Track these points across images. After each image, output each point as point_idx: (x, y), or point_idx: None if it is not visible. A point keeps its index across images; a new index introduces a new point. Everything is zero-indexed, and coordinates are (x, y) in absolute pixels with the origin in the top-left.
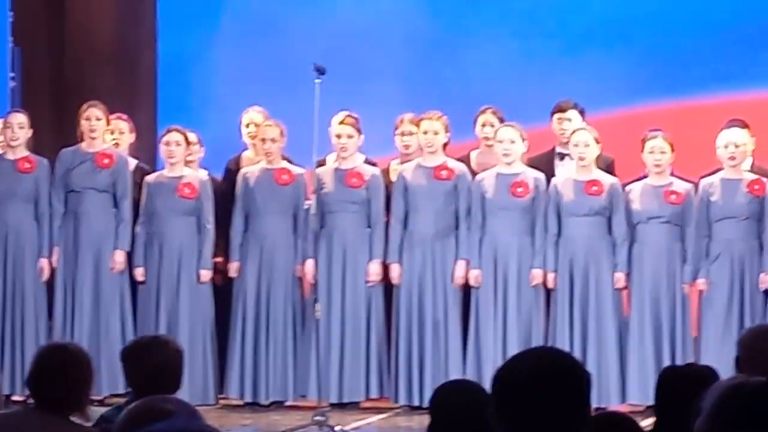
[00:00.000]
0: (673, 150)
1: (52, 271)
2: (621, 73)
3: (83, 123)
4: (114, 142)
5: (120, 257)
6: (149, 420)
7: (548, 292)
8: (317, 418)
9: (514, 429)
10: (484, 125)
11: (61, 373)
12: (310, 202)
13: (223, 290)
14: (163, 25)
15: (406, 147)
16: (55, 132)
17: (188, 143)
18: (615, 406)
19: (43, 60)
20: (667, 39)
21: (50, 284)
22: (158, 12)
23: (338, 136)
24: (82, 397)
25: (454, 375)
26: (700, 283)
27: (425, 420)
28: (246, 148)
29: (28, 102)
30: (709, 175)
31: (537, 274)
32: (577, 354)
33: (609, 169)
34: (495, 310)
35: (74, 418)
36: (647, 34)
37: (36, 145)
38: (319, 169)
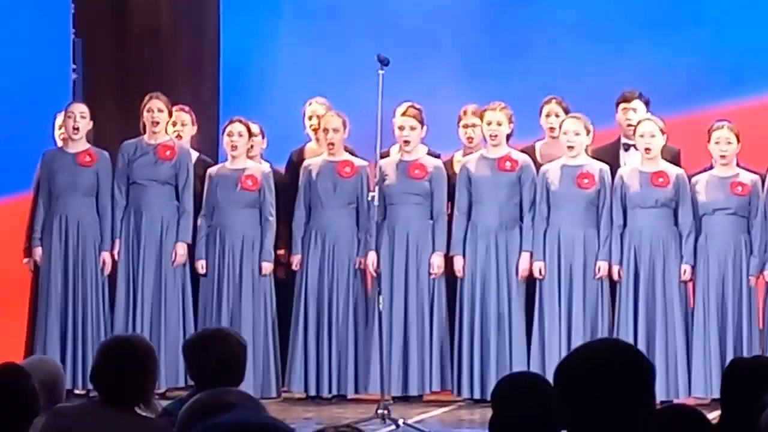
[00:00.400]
0: (739, 140)
1: (114, 264)
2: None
3: (145, 115)
4: (176, 133)
5: (182, 250)
6: (213, 412)
7: (614, 285)
8: (380, 411)
9: (577, 422)
10: (548, 115)
11: (125, 366)
12: (373, 194)
13: (286, 283)
14: (225, 15)
15: (470, 139)
16: (120, 124)
17: (250, 134)
18: (681, 399)
19: (105, 52)
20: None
21: (112, 277)
22: (221, 1)
23: (401, 128)
24: (148, 389)
25: (518, 368)
26: (767, 275)
27: (488, 413)
28: (309, 140)
29: (90, 94)
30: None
31: (602, 267)
32: (642, 347)
33: (675, 160)
34: (560, 303)
35: (140, 411)
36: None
37: (101, 138)
38: (382, 161)
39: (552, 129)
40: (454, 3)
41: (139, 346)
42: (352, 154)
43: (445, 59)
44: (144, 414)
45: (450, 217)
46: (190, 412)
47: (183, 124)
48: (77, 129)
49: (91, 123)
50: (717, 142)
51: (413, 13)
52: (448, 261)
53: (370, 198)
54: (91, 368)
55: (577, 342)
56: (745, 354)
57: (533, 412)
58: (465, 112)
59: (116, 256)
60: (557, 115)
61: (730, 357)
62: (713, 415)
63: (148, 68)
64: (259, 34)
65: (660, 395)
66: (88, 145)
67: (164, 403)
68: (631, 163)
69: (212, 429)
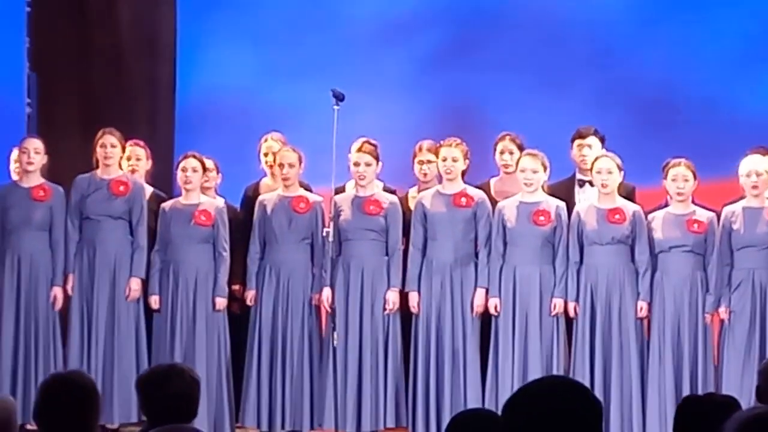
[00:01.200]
0: (695, 178)
1: (67, 299)
2: None
3: (98, 150)
4: (131, 168)
5: (135, 285)
6: None
7: (570, 322)
8: None
9: None
10: (502, 152)
11: (66, 403)
12: (328, 230)
13: (240, 318)
14: (182, 54)
15: (425, 175)
16: (79, 158)
17: (205, 170)
18: None
19: (63, 86)
20: None
21: (64, 313)
22: (178, 41)
23: (356, 164)
24: (90, 425)
25: (473, 404)
26: (722, 312)
27: None
28: (264, 175)
29: (47, 129)
30: (731, 203)
31: (558, 304)
32: (598, 383)
33: (630, 196)
34: (514, 340)
35: None
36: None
37: (59, 173)
38: (337, 197)
39: (506, 166)
40: (407, 35)
41: (79, 383)
42: (308, 189)
43: (401, 93)
44: None
45: (405, 253)
46: None
47: (137, 159)
48: (31, 164)
49: (46, 158)
50: (674, 179)
51: (364, 50)
52: (403, 297)
53: (324, 233)
54: (33, 406)
55: (532, 379)
56: (700, 391)
57: None
58: (420, 148)
59: (69, 291)
60: (511, 152)
61: (686, 393)
62: None
63: (105, 102)
64: (216, 68)
65: (614, 430)
66: (42, 180)
67: None
68: (586, 200)
69: None
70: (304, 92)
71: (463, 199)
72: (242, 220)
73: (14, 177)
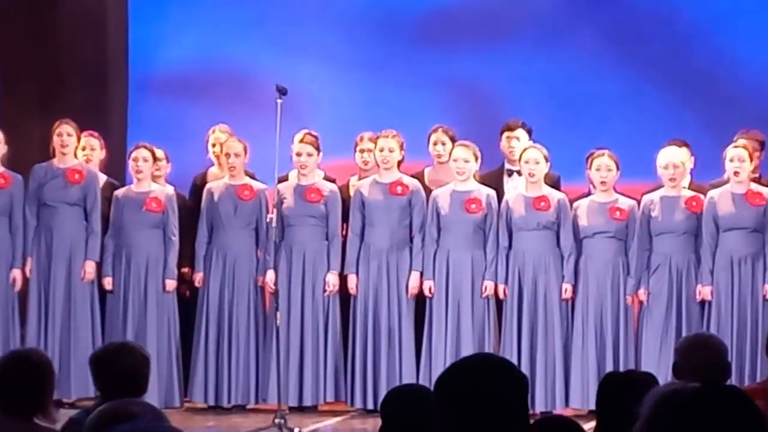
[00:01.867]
0: (618, 168)
1: (25, 281)
2: None
3: (55, 139)
4: (85, 157)
5: (90, 267)
6: (116, 422)
7: (499, 303)
8: (277, 420)
9: (455, 430)
10: (435, 143)
11: (22, 378)
12: (272, 216)
13: (189, 299)
14: (134, 46)
15: (365, 163)
16: (40, 148)
17: (155, 159)
18: (560, 410)
19: (25, 79)
20: None
21: (23, 294)
22: (130, 33)
23: (298, 154)
24: (45, 399)
25: (408, 380)
26: (641, 294)
27: (379, 422)
28: (212, 164)
29: (9, 119)
30: (650, 192)
31: (489, 286)
32: (525, 360)
33: (556, 185)
34: (448, 320)
35: (38, 421)
36: None
37: (22, 162)
38: (280, 185)
39: (439, 156)
40: (346, 32)
41: (34, 359)
42: (253, 178)
43: (348, 86)
44: (43, 424)
45: (344, 238)
46: (95, 422)
47: (92, 149)
48: None
49: (6, 147)
50: (597, 169)
51: (306, 45)
52: (342, 279)
53: (268, 219)
54: None
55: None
56: (621, 368)
57: (419, 422)
58: (361, 138)
59: (27, 273)
60: (444, 143)
61: (606, 370)
62: (589, 426)
63: (63, 95)
64: (166, 62)
65: (540, 406)
66: (2, 169)
67: (73, 412)
68: (514, 188)
69: None
70: (252, 85)
71: (399, 188)
72: (190, 207)
73: None
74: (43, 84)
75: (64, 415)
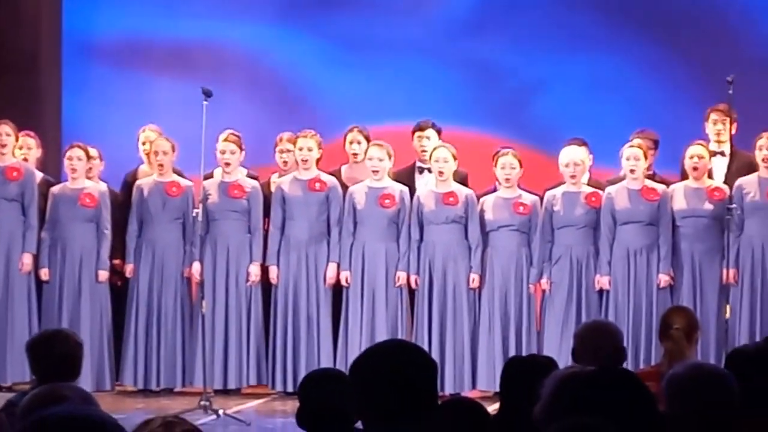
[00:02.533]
0: (521, 165)
1: None
2: None
3: None
4: (23, 156)
5: (27, 259)
6: (48, 404)
7: (412, 292)
8: (203, 402)
9: (369, 411)
10: (351, 142)
11: None
12: (197, 210)
13: (120, 289)
14: (67, 51)
15: (285, 163)
16: None
17: (89, 158)
18: (468, 392)
19: None
20: None
21: None
22: (63, 38)
23: (222, 152)
24: None
25: (325, 364)
26: (543, 283)
27: (297, 404)
28: (142, 162)
29: None
30: (552, 188)
31: (401, 276)
32: (435, 345)
33: (464, 182)
34: (363, 308)
35: None
36: None
37: None
38: (206, 182)
39: (355, 155)
40: (270, 40)
41: None
42: (180, 175)
43: (266, 91)
44: None
45: (266, 231)
46: (29, 405)
47: (29, 148)
48: None
49: None
50: (502, 167)
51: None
52: (264, 270)
53: (194, 214)
54: None
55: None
56: (523, 352)
57: (334, 404)
58: (281, 139)
59: None
60: (359, 143)
61: (510, 355)
62: (494, 406)
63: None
64: (99, 68)
65: (449, 388)
66: None
67: (10, 395)
68: (425, 185)
69: (40, 421)
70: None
71: (318, 184)
72: (122, 202)
73: None
74: None
75: (1, 398)
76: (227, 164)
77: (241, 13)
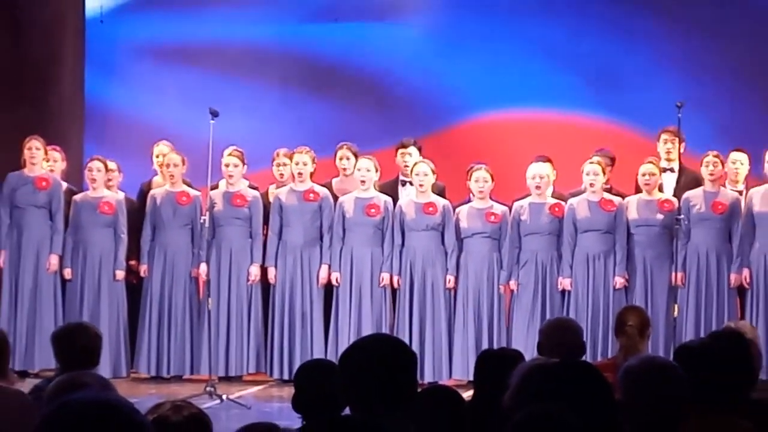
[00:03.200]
0: (493, 179)
1: (0, 270)
2: None
3: (26, 152)
4: (50, 168)
5: (54, 260)
6: (70, 390)
7: (394, 291)
8: (208, 388)
9: (357, 399)
10: (341, 158)
11: None
12: (204, 218)
13: (135, 287)
14: (90, 76)
15: (281, 175)
16: (10, 159)
17: (108, 170)
18: (445, 380)
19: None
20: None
21: None
22: (86, 65)
23: (227, 166)
24: (3, 366)
25: (317, 356)
26: (512, 284)
27: (293, 390)
28: (156, 174)
29: None
30: (520, 199)
31: (385, 277)
32: (416, 338)
33: (441, 193)
34: (351, 305)
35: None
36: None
37: None
38: (212, 192)
39: (345, 169)
40: (271, 59)
41: None
42: (189, 185)
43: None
44: (3, 384)
45: (265, 236)
46: (53, 390)
47: (55, 161)
48: None
49: None
50: (476, 181)
51: (238, 75)
52: (263, 271)
53: (202, 221)
54: None
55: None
56: (494, 346)
57: (326, 390)
58: (277, 154)
59: (2, 264)
60: (348, 158)
61: (483, 348)
62: (468, 394)
63: (32, 114)
64: (118, 92)
65: (428, 377)
66: None
67: (37, 381)
68: (407, 196)
69: (63, 405)
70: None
71: (311, 195)
72: (137, 209)
73: None
74: (18, 103)
75: (29, 384)
76: (231, 176)
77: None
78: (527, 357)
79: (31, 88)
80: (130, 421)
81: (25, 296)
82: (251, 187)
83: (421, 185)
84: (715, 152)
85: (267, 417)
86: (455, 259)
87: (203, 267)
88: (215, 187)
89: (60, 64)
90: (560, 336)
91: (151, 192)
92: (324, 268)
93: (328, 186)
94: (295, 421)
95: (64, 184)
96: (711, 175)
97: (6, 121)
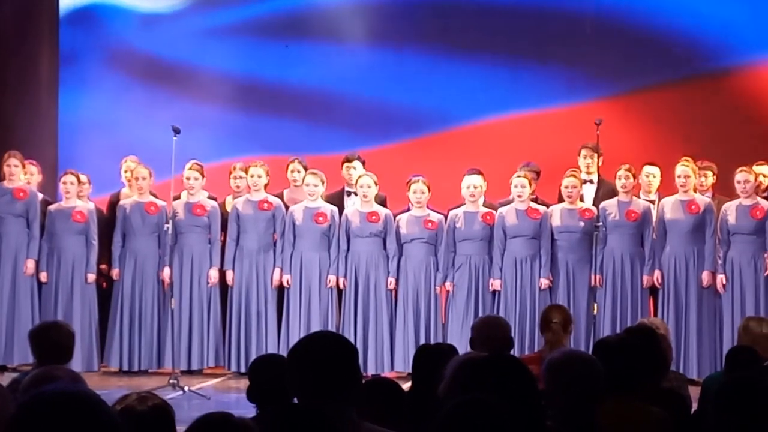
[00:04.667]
0: (429, 190)
1: None
2: None
3: (5, 167)
4: (27, 180)
5: (30, 264)
6: (44, 383)
7: (340, 292)
8: (172, 381)
9: (303, 389)
10: (292, 171)
11: None
12: (168, 225)
13: (105, 290)
14: (64, 96)
15: (238, 187)
16: None
17: (80, 182)
18: (387, 372)
19: None
20: None
21: None
22: (60, 83)
23: (188, 178)
24: None
25: (271, 350)
26: (447, 285)
27: (248, 382)
28: (124, 186)
29: None
30: (455, 208)
31: (332, 279)
32: (360, 334)
33: (383, 203)
34: (301, 304)
35: None
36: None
37: None
38: (175, 202)
39: (295, 181)
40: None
41: None
42: (155, 196)
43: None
44: None
45: (223, 242)
46: (28, 383)
47: (32, 174)
48: None
49: None
50: (414, 192)
51: (200, 96)
52: (222, 273)
53: (166, 228)
54: None
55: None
56: (431, 341)
57: (278, 382)
58: (234, 167)
59: None
60: (299, 171)
61: (421, 343)
62: (408, 384)
63: (11, 134)
64: (91, 109)
65: (371, 369)
66: None
67: (15, 374)
68: (352, 205)
69: (36, 397)
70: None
71: (265, 204)
72: (107, 218)
73: None
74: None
75: (8, 377)
76: (191, 188)
77: None
78: (461, 351)
79: (8, 107)
80: (95, 410)
81: (4, 297)
82: (210, 197)
83: (365, 196)
84: (627, 166)
85: (225, 406)
86: (396, 263)
87: (167, 270)
88: (177, 197)
89: (37, 83)
90: (490, 332)
91: (121, 202)
92: (277, 271)
93: (280, 196)
94: (251, 410)
95: (40, 195)
96: (623, 187)
97: None
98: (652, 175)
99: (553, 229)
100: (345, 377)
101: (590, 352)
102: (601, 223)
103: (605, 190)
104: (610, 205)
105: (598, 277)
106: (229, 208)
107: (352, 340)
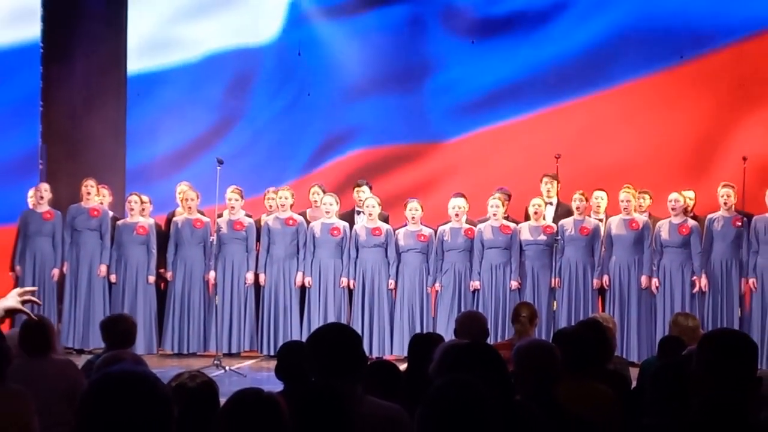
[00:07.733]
0: (422, 209)
1: (62, 276)
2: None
3: (83, 189)
4: (100, 201)
5: (103, 268)
6: (111, 364)
7: (351, 291)
8: (215, 362)
9: (319, 370)
10: (313, 194)
11: (40, 333)
12: (213, 238)
13: (163, 289)
14: (130, 136)
15: (270, 207)
16: (70, 195)
17: (142, 202)
18: (387, 356)
19: (61, 150)
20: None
21: (60, 283)
22: (127, 124)
23: (230, 199)
24: (53, 343)
25: (295, 338)
26: (436, 286)
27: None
28: (178, 206)
29: (52, 176)
30: (443, 224)
31: (344, 281)
32: (366, 326)
33: (386, 220)
34: (320, 301)
35: (53, 355)
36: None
37: (58, 202)
38: (219, 219)
39: (316, 202)
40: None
41: (45, 323)
42: (202, 214)
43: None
44: (55, 357)
45: (257, 251)
46: (99, 364)
47: (104, 196)
48: (42, 197)
49: (51, 194)
50: (410, 210)
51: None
52: (256, 276)
53: (212, 240)
54: (18, 339)
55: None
56: (423, 331)
57: (299, 363)
58: (267, 191)
59: (64, 271)
60: (319, 194)
61: (416, 332)
62: (404, 366)
63: (86, 163)
64: (154, 144)
65: (375, 353)
66: (48, 207)
67: (90, 356)
68: (360, 222)
69: (106, 375)
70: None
71: (291, 221)
72: (165, 232)
73: (30, 206)
74: (76, 152)
75: (84, 358)
76: (232, 207)
77: None
78: (447, 339)
79: (88, 140)
80: (152, 387)
81: (81, 294)
82: (248, 215)
83: (370, 215)
84: (581, 191)
85: (258, 383)
86: (395, 268)
87: (212, 273)
88: (221, 215)
89: (107, 134)
90: (471, 324)
91: (174, 218)
92: (300, 275)
93: (303, 214)
94: (279, 385)
95: (111, 213)
96: (577, 208)
97: (69, 168)
98: (600, 198)
99: (522, 241)
100: (353, 360)
101: (551, 340)
102: (559, 237)
103: (562, 211)
104: (567, 222)
105: (557, 280)
106: (262, 224)
107: (359, 329)
